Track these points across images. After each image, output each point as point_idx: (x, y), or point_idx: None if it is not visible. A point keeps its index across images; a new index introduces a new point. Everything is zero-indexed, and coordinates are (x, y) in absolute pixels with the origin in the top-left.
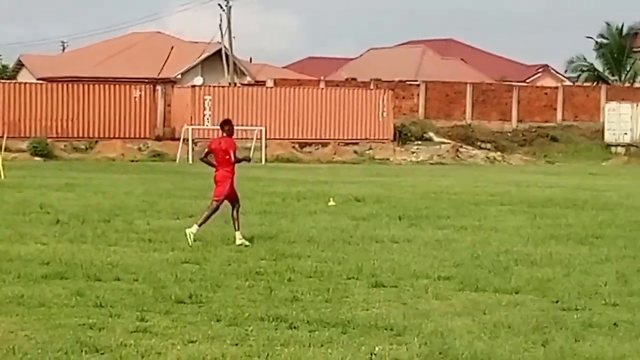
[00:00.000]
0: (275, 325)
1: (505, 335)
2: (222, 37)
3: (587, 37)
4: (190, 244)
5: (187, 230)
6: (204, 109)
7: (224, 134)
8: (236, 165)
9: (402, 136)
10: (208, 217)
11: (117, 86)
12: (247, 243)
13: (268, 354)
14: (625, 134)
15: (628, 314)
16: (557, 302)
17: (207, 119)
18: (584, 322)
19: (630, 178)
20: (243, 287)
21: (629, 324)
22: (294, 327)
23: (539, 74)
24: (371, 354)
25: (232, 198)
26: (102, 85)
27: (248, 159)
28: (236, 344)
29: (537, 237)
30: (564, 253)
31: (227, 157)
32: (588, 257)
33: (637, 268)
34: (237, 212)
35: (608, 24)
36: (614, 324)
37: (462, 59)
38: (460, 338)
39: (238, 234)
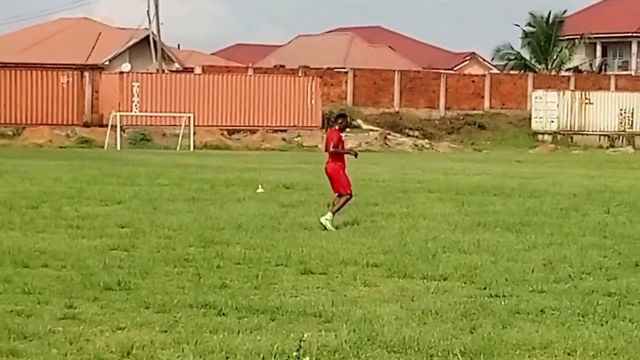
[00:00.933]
0: (204, 312)
1: (433, 321)
2: (149, 23)
3: (515, 25)
4: (333, 229)
5: (322, 219)
6: (132, 96)
7: (336, 127)
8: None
9: (330, 123)
10: (341, 206)
11: (44, 72)
12: (329, 226)
13: (197, 341)
14: (552, 121)
15: (554, 300)
16: (484, 288)
17: (135, 105)
18: (511, 309)
19: (556, 165)
20: (172, 274)
21: (556, 310)
22: (223, 314)
23: (467, 62)
24: (300, 341)
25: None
26: (29, 71)
27: (354, 154)
28: (165, 331)
29: (464, 225)
30: (492, 240)
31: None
32: (515, 245)
33: (563, 255)
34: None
35: (533, 14)
36: (541, 310)
37: (390, 47)
38: (389, 324)
39: (328, 215)
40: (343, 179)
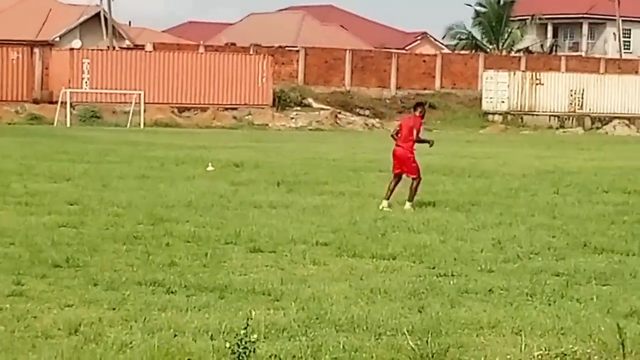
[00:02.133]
0: (152, 289)
1: (382, 300)
2: (100, 0)
3: (466, 4)
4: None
5: (405, 208)
6: (82, 72)
7: (417, 114)
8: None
9: (281, 102)
10: (415, 191)
11: None
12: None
13: (145, 318)
14: (503, 102)
15: (503, 280)
16: (433, 268)
17: (86, 82)
18: (460, 288)
19: (506, 146)
20: (121, 251)
21: (504, 290)
22: (172, 292)
23: (418, 42)
24: (247, 319)
25: (405, 172)
26: None
27: (431, 143)
28: (113, 308)
29: (414, 204)
30: (441, 220)
31: (411, 135)
32: (465, 224)
33: (512, 235)
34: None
35: None
36: (489, 290)
37: (341, 26)
38: (337, 303)
39: (408, 205)
40: (416, 164)
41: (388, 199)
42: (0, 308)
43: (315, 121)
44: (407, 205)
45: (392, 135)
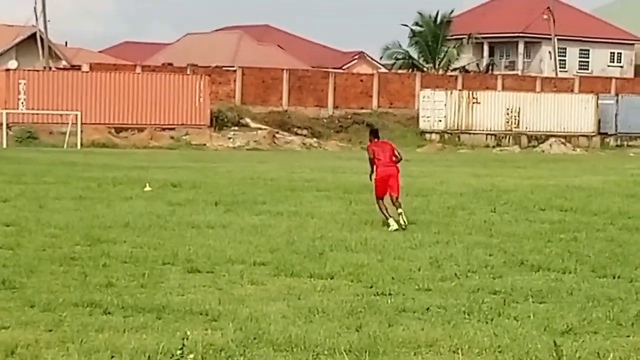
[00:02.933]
0: (89, 310)
1: (320, 319)
2: (36, 20)
3: (402, 24)
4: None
5: (401, 220)
6: (19, 93)
7: (377, 139)
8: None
9: (218, 122)
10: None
11: None
12: (395, 226)
13: (82, 340)
14: (440, 121)
15: (440, 298)
16: (371, 287)
17: (22, 103)
18: (397, 307)
19: (443, 164)
20: (57, 272)
21: (441, 308)
22: (109, 313)
23: (355, 61)
24: (183, 339)
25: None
26: None
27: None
28: (50, 330)
29: (352, 223)
30: (379, 239)
31: (392, 157)
32: (402, 243)
33: (450, 253)
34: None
35: (421, 13)
36: (427, 308)
37: (278, 45)
38: (275, 323)
39: (392, 221)
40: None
41: (390, 216)
42: None
43: (253, 141)
44: (402, 218)
45: (371, 164)
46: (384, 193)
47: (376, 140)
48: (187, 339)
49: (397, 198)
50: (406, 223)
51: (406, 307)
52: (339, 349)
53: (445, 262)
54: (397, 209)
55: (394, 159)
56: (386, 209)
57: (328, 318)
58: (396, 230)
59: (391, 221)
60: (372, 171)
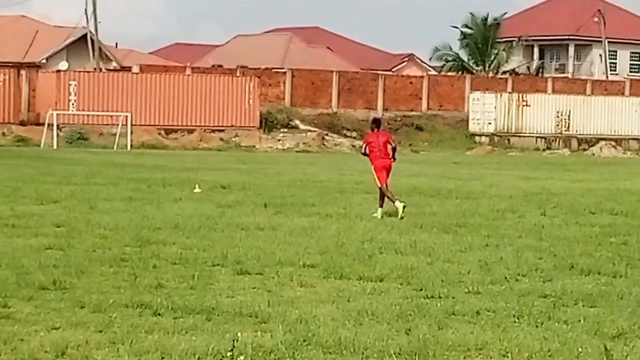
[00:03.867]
0: (139, 312)
1: (369, 322)
2: (87, 21)
3: (452, 26)
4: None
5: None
6: (69, 94)
7: (377, 130)
8: None
9: (268, 124)
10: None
11: None
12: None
13: (132, 341)
14: (489, 123)
15: (490, 302)
16: (420, 290)
17: (72, 104)
18: (447, 310)
19: (493, 167)
20: (108, 273)
21: (491, 312)
22: (159, 314)
23: (405, 63)
24: (233, 341)
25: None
26: None
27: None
28: (100, 331)
29: (401, 226)
30: (428, 241)
31: (387, 149)
32: (452, 246)
33: (499, 257)
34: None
35: (473, 14)
36: (476, 312)
37: (328, 47)
38: (325, 325)
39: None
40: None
41: (397, 199)
42: None
43: (302, 143)
44: (399, 204)
45: (363, 153)
46: (386, 181)
47: (376, 130)
48: (236, 340)
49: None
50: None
51: (456, 311)
52: (388, 352)
53: (495, 265)
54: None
55: (389, 147)
56: (392, 194)
57: (377, 321)
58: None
59: (397, 203)
60: (367, 157)
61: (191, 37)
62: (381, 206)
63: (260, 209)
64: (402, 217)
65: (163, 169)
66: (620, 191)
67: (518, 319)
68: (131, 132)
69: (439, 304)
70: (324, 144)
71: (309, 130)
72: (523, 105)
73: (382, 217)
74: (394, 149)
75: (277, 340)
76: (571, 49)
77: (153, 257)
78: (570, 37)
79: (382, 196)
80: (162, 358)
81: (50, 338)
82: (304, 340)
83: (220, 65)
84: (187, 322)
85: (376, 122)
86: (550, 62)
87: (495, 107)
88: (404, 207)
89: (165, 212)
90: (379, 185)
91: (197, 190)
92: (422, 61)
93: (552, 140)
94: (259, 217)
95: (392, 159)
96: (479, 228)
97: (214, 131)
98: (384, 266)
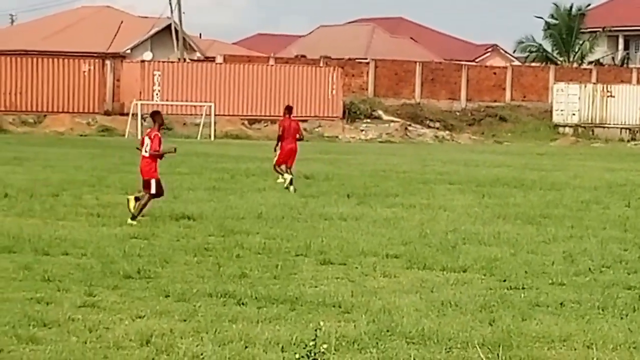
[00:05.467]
0: (223, 301)
1: (453, 313)
2: (171, 12)
3: (537, 17)
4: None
5: (286, 176)
6: (153, 84)
7: (289, 116)
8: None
9: (351, 114)
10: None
11: (66, 60)
12: (285, 180)
13: (216, 330)
14: (573, 114)
15: (574, 293)
16: (504, 281)
17: (156, 94)
18: (531, 301)
19: (577, 158)
20: (192, 262)
21: (575, 303)
22: (242, 304)
23: (488, 54)
24: (316, 330)
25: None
26: (51, 59)
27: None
28: (184, 320)
29: (485, 216)
30: (512, 232)
31: (296, 134)
32: (535, 237)
33: (583, 248)
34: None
35: (556, 5)
36: (560, 303)
37: (411, 38)
38: (408, 316)
39: (287, 176)
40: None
41: (286, 172)
42: (72, 319)
43: (385, 133)
44: (287, 176)
45: (279, 138)
46: (283, 163)
47: (288, 116)
48: (319, 330)
49: (290, 167)
50: (290, 186)
51: (540, 302)
52: (472, 342)
53: (579, 256)
54: (289, 173)
55: (297, 136)
56: (282, 170)
57: (461, 311)
58: (283, 183)
59: (286, 176)
60: (277, 144)
61: (274, 27)
62: (286, 172)
63: (343, 199)
64: (287, 188)
65: (246, 159)
66: None
67: (602, 310)
68: (215, 122)
69: (522, 295)
70: (407, 135)
71: (392, 121)
72: (607, 96)
73: (287, 180)
74: (299, 139)
75: (360, 330)
76: None
77: (237, 246)
78: None
79: (278, 167)
80: (246, 347)
81: (134, 326)
82: (387, 331)
83: (303, 56)
84: (270, 311)
85: (288, 109)
86: (636, 52)
87: (579, 98)
88: (282, 181)
89: (249, 201)
90: (275, 164)
91: (280, 180)
92: (505, 52)
93: (637, 132)
94: (342, 207)
95: (296, 144)
96: (563, 219)
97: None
98: (468, 257)
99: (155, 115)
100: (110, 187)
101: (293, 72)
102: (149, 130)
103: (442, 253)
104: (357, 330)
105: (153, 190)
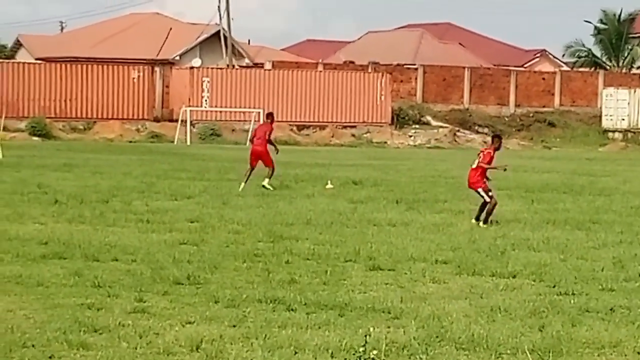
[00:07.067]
0: (272, 307)
1: (502, 319)
2: (220, 18)
3: (586, 21)
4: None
5: (264, 183)
6: (202, 91)
7: (270, 122)
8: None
9: (399, 120)
10: (272, 173)
11: (115, 67)
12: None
13: (266, 336)
14: (623, 119)
15: (624, 299)
16: (554, 286)
17: (205, 100)
18: (581, 307)
19: (627, 164)
20: (241, 268)
21: (625, 309)
22: (292, 309)
23: (537, 59)
24: (366, 336)
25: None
26: (100, 66)
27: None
28: (234, 326)
29: (534, 222)
30: (561, 238)
31: (265, 137)
32: (585, 242)
33: (633, 253)
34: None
35: (605, 11)
36: (611, 309)
37: (460, 43)
38: (458, 321)
39: (243, 185)
40: (270, 157)
41: (246, 182)
42: (122, 325)
43: (434, 139)
44: (266, 181)
45: (250, 140)
46: (254, 164)
47: (269, 122)
48: (369, 336)
49: (269, 169)
50: (271, 188)
51: (589, 307)
52: (522, 348)
53: (629, 262)
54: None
55: (266, 137)
56: (247, 177)
57: (510, 317)
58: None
59: (242, 185)
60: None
61: (322, 33)
62: (245, 181)
63: (392, 205)
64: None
65: (295, 165)
66: None
67: None
68: None
69: (572, 301)
70: (455, 140)
71: (441, 127)
72: None
73: (242, 189)
74: (270, 140)
75: (409, 336)
76: None
77: (286, 252)
78: None
79: (249, 174)
80: (295, 353)
81: (184, 332)
82: (437, 337)
83: (352, 62)
84: (320, 317)
85: (268, 115)
86: None
87: (628, 103)
88: (242, 190)
89: (298, 207)
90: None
91: (329, 186)
92: (554, 57)
93: None
94: (391, 213)
95: (265, 147)
96: (613, 225)
97: (345, 127)
98: (517, 262)
99: (495, 137)
100: (160, 193)
101: (341, 78)
102: None
103: (491, 259)
104: (406, 336)
105: (487, 199)
